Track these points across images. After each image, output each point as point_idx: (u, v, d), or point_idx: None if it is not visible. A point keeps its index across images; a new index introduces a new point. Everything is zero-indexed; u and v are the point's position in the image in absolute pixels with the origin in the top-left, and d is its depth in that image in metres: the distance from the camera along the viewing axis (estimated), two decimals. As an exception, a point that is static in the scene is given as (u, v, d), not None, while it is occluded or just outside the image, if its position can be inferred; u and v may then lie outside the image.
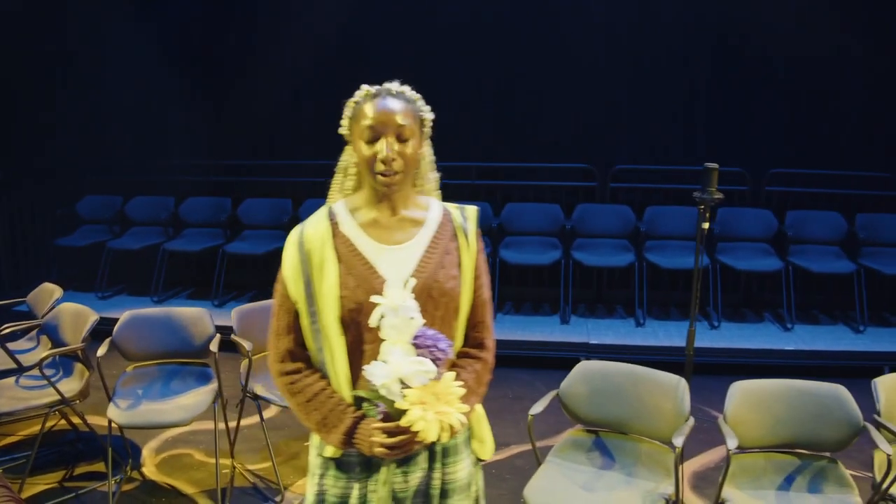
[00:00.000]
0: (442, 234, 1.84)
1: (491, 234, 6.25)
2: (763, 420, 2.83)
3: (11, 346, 4.28)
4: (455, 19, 6.56)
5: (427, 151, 1.89)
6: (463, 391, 1.64)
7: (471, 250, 1.86)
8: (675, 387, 2.89)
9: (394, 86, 1.80)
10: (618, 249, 6.10)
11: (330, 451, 1.82)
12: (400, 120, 1.72)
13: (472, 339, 1.89)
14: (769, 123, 6.32)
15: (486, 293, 1.91)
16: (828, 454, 2.87)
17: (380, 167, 1.72)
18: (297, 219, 6.60)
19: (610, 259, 5.96)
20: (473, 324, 1.89)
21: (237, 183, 7.17)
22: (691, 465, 3.96)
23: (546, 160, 6.60)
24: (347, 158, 1.88)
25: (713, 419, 3.18)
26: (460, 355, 1.86)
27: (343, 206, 1.84)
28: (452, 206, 1.92)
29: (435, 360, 1.59)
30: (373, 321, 1.65)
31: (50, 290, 4.27)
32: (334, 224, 1.81)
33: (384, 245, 1.79)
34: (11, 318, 4.31)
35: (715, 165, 2.81)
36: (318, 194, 6.67)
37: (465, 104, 6.51)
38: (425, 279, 1.76)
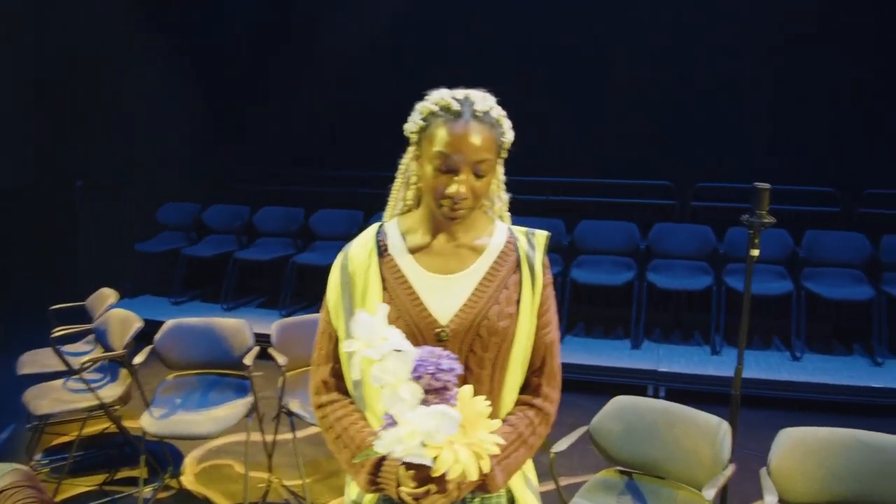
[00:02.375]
0: (502, 264, 1.61)
1: (563, 252, 6.03)
2: (815, 473, 2.51)
3: (70, 348, 4.40)
4: (535, 28, 6.40)
5: (499, 171, 1.66)
6: (488, 408, 1.43)
7: (536, 284, 1.62)
8: (716, 430, 2.62)
9: (478, 99, 1.54)
10: (695, 272, 5.76)
11: (354, 493, 1.65)
12: (478, 154, 1.48)
13: (530, 386, 1.65)
14: (864, 139, 5.84)
15: (552, 335, 1.65)
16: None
17: (447, 203, 1.50)
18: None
19: (686, 282, 5.64)
20: (533, 369, 1.65)
21: (309, 193, 7.21)
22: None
23: (624, 176, 6.32)
24: (408, 162, 1.66)
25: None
26: (516, 403, 1.64)
27: (396, 226, 1.66)
28: (520, 231, 1.67)
29: (444, 387, 1.37)
30: (355, 373, 1.44)
31: (105, 295, 4.34)
32: (382, 246, 1.62)
33: (435, 274, 1.59)
34: (81, 321, 4.40)
35: (766, 186, 2.52)
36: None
37: (538, 116, 6.31)
38: (474, 315, 1.55)
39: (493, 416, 1.55)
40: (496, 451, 1.41)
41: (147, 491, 3.74)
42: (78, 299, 4.60)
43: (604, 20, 6.27)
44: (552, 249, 5.84)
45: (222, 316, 5.08)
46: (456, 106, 1.51)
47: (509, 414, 1.63)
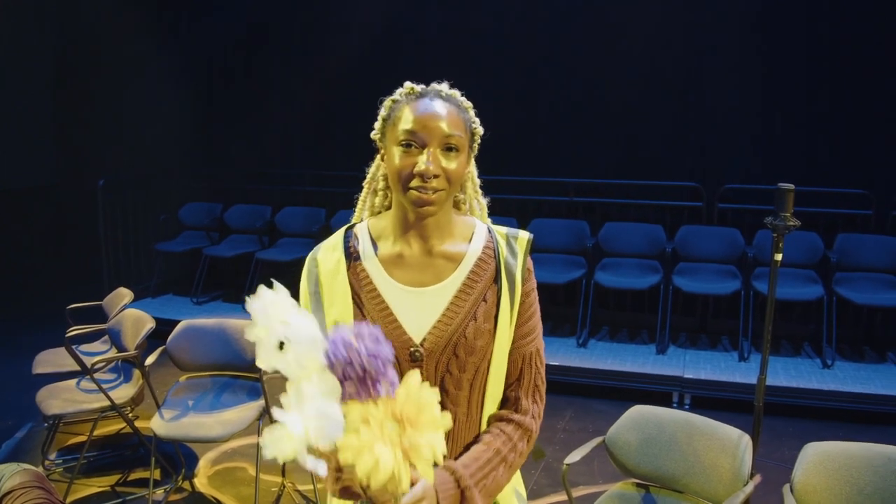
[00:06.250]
0: (479, 274, 1.48)
1: (587, 254, 5.91)
2: (842, 491, 2.38)
3: (87, 348, 4.39)
4: (556, 30, 6.27)
5: (473, 171, 1.58)
6: (435, 399, 1.20)
7: (515, 295, 1.49)
8: (737, 444, 2.50)
9: (443, 87, 1.48)
10: (723, 275, 5.61)
11: None
12: (448, 128, 1.39)
13: (508, 400, 1.53)
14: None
15: (534, 345, 1.53)
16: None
17: (416, 182, 1.37)
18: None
19: (713, 286, 5.49)
20: (510, 382, 1.52)
21: (331, 193, 7.15)
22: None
23: (649, 178, 6.18)
24: (376, 170, 1.59)
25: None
26: (491, 419, 1.52)
27: (366, 231, 1.53)
28: (501, 234, 1.54)
29: (366, 376, 1.14)
30: (265, 363, 1.20)
31: (121, 295, 4.32)
32: (352, 252, 1.50)
33: (407, 287, 1.47)
34: (99, 321, 4.39)
35: (790, 186, 2.40)
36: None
37: (562, 116, 6.20)
38: (450, 333, 1.44)
39: (472, 438, 1.48)
40: (436, 459, 1.20)
41: (158, 493, 3.70)
42: (100, 298, 4.59)
43: (630, 17, 6.13)
44: (575, 252, 5.82)
45: (244, 317, 5.03)
46: (419, 88, 1.47)
47: (484, 431, 1.50)
